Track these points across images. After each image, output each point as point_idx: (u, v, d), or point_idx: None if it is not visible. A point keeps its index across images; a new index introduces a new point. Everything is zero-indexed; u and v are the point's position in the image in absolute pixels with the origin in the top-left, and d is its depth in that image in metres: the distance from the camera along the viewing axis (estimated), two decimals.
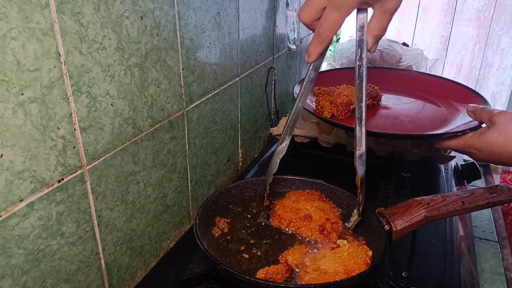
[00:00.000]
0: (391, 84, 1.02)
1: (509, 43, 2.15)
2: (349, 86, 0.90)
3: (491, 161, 0.67)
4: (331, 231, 0.66)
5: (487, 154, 0.65)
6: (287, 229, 0.66)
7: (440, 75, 1.19)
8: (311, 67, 0.57)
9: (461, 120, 0.82)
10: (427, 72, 1.26)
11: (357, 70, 0.55)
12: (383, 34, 0.54)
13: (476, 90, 0.91)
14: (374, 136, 0.90)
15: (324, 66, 1.80)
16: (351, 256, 0.55)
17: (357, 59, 0.54)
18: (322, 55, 0.54)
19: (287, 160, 1.01)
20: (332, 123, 0.83)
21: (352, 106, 0.83)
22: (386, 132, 0.81)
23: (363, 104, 0.55)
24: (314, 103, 0.87)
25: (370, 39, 0.53)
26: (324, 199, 0.71)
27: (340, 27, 0.51)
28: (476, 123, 0.74)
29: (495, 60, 2.19)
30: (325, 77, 1.00)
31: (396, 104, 0.94)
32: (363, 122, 0.56)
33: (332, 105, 0.84)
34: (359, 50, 0.54)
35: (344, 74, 1.02)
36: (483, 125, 0.70)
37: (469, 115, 0.75)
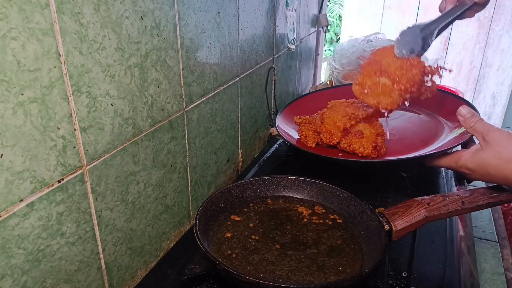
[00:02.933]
0: None
1: (509, 43, 2.15)
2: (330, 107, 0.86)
3: (485, 181, 0.63)
4: (382, 145, 0.73)
5: (480, 175, 0.62)
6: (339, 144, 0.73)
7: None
8: None
9: (451, 132, 0.81)
10: None
11: None
12: None
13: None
14: (359, 166, 0.86)
15: (324, 66, 1.80)
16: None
17: None
18: None
19: (287, 160, 1.01)
20: (317, 156, 0.80)
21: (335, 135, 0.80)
22: (374, 160, 0.77)
23: None
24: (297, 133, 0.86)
25: None
26: (367, 110, 0.78)
27: None
28: (466, 137, 0.71)
29: (495, 60, 2.19)
30: (305, 101, 0.99)
31: (382, 120, 0.87)
32: None
33: (316, 133, 0.83)
34: None
35: (325, 95, 1.01)
36: (474, 138, 0.67)
37: (458, 119, 0.68)
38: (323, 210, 0.69)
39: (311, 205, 0.71)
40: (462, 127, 0.77)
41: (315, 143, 0.82)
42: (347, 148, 0.78)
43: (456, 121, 0.82)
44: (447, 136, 0.81)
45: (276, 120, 0.92)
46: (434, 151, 0.75)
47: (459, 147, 0.75)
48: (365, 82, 0.73)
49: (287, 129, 0.92)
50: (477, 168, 0.62)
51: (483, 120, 0.65)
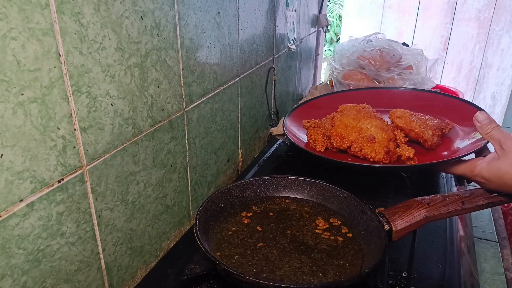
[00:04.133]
0: (384, 103, 0.95)
1: (509, 43, 2.15)
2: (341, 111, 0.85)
3: (502, 191, 0.61)
4: (395, 150, 0.72)
5: (496, 184, 0.60)
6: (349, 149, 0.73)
7: (433, 90, 1.16)
8: None
9: (465, 139, 0.80)
10: (420, 88, 1.19)
11: None
12: None
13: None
14: (366, 170, 0.84)
15: (324, 66, 1.80)
16: None
17: None
18: None
19: (287, 160, 1.01)
20: (326, 159, 0.78)
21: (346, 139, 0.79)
22: (386, 166, 0.75)
23: None
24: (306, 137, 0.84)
25: None
26: (378, 116, 0.78)
27: None
28: (481, 144, 0.70)
29: (495, 60, 2.19)
30: (311, 106, 0.99)
31: None
32: None
33: (325, 138, 0.82)
34: None
35: (332, 99, 1.00)
36: (488, 144, 0.65)
37: (474, 123, 0.66)
38: (339, 222, 0.67)
39: (327, 216, 0.69)
40: (477, 134, 0.76)
41: (324, 148, 0.81)
42: (358, 152, 0.76)
43: (470, 128, 0.81)
44: (462, 143, 0.80)
45: (284, 123, 0.91)
46: (448, 158, 0.73)
47: (473, 155, 0.74)
48: (407, 114, 0.80)
49: (294, 132, 0.91)
50: (493, 177, 0.60)
51: (500, 127, 0.64)
